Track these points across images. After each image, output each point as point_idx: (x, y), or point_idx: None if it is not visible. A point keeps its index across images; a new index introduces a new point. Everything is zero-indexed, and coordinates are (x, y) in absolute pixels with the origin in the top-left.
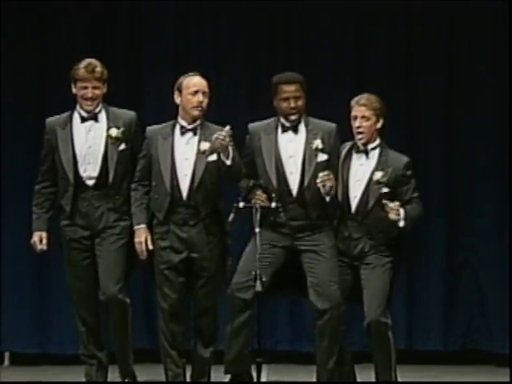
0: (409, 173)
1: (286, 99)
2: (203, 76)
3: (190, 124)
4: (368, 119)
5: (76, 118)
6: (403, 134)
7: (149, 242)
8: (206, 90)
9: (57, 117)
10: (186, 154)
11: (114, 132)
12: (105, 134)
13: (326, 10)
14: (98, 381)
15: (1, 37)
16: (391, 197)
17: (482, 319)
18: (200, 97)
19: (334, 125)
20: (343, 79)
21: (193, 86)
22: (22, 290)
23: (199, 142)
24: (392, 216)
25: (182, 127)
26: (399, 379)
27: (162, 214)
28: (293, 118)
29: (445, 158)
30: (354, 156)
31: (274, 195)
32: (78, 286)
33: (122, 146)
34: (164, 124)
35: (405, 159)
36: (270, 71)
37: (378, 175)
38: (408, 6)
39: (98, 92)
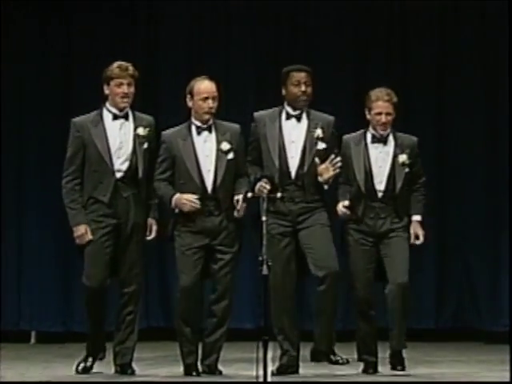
0: (418, 151)
1: (297, 84)
2: (212, 79)
3: (203, 124)
4: (391, 114)
5: (108, 116)
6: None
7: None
8: (216, 94)
9: (84, 116)
10: (205, 151)
11: (141, 131)
12: (133, 133)
13: (328, 11)
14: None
15: (25, 39)
16: (411, 176)
17: (470, 300)
18: (210, 103)
19: (332, 117)
20: (343, 75)
21: (203, 93)
22: (47, 273)
23: (217, 140)
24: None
25: (197, 127)
26: None
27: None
28: (303, 98)
29: (437, 151)
30: (371, 146)
31: (279, 187)
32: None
33: (146, 145)
34: (178, 127)
35: (414, 138)
36: (277, 70)
37: (404, 157)
38: (403, 6)
39: (131, 89)
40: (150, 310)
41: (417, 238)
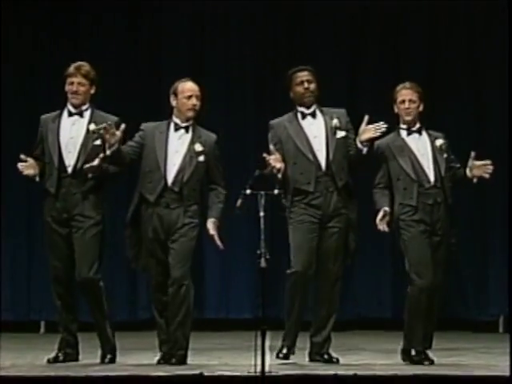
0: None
1: (301, 83)
2: (195, 81)
3: (183, 123)
4: (414, 102)
5: (65, 113)
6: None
7: None
8: (199, 94)
9: (49, 114)
10: (177, 147)
11: (92, 126)
12: (85, 128)
13: (325, 13)
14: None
15: (31, 38)
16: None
17: (458, 291)
18: (194, 100)
19: (343, 109)
20: (339, 74)
21: (187, 91)
22: None
23: (191, 140)
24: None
25: (175, 124)
26: (385, 346)
27: (153, 196)
28: (308, 99)
29: None
30: (407, 139)
31: (277, 185)
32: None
33: (98, 142)
34: (159, 122)
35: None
36: (275, 71)
37: (440, 141)
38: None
39: (82, 88)
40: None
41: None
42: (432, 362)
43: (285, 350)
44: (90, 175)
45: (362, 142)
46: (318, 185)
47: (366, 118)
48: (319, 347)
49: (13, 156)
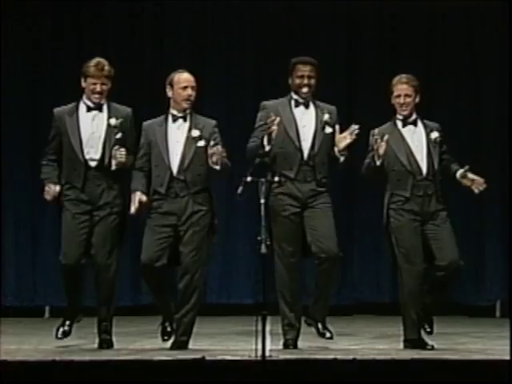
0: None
1: (301, 76)
2: (191, 72)
3: (179, 113)
4: (410, 96)
5: (82, 107)
6: None
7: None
8: (194, 84)
9: (63, 107)
10: (177, 137)
11: (113, 121)
12: (106, 123)
13: (323, 11)
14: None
15: (42, 39)
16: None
17: None
18: (189, 91)
19: (334, 106)
20: (337, 70)
21: (183, 82)
22: (59, 252)
23: (189, 128)
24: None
25: (173, 115)
26: (383, 330)
27: (163, 187)
28: (304, 91)
29: None
30: (403, 130)
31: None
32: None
33: (119, 135)
34: (158, 118)
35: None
36: (276, 68)
37: (435, 134)
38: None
39: (104, 87)
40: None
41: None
42: (432, 348)
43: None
44: (114, 167)
45: (340, 151)
46: (299, 173)
47: (352, 127)
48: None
49: (16, 144)
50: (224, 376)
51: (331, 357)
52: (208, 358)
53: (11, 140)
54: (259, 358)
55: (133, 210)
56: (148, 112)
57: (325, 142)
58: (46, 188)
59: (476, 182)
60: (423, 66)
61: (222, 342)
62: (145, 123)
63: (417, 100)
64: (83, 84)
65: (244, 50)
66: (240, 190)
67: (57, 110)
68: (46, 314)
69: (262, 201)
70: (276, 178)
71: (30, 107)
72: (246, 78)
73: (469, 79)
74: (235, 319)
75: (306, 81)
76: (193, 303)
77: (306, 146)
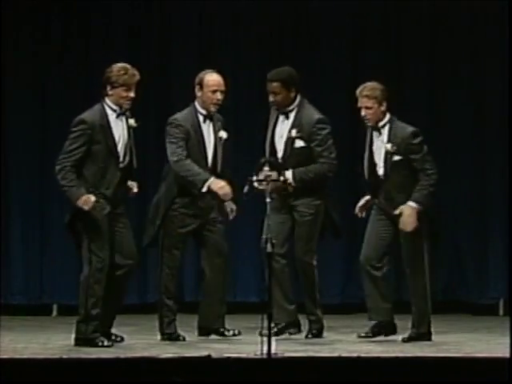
0: (416, 141)
1: (269, 93)
2: (220, 73)
3: (206, 113)
4: (371, 108)
5: (111, 114)
6: None
7: None
8: (224, 88)
9: (90, 113)
10: (209, 137)
11: (132, 122)
12: (127, 126)
13: (328, 12)
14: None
15: (51, 39)
16: (406, 164)
17: (459, 275)
18: (218, 95)
19: (316, 116)
20: (341, 72)
21: (213, 85)
22: (68, 250)
23: (214, 128)
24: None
25: (203, 115)
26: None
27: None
28: (272, 107)
29: (429, 139)
30: (373, 134)
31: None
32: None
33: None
34: (184, 113)
35: (410, 129)
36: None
37: (388, 146)
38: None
39: (134, 94)
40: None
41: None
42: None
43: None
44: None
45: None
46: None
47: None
48: None
49: (24, 141)
50: (230, 374)
51: (336, 354)
52: (214, 355)
53: (18, 141)
54: (265, 356)
55: (229, 194)
56: (154, 112)
57: (294, 154)
58: (84, 198)
59: (401, 222)
60: (426, 68)
61: (227, 339)
62: (178, 117)
63: (382, 108)
64: (110, 91)
65: (250, 50)
66: (246, 189)
67: (86, 117)
68: (54, 313)
69: (268, 200)
70: (282, 178)
71: (38, 105)
72: (252, 78)
73: (472, 77)
74: (241, 317)
75: (271, 98)
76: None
77: (280, 155)
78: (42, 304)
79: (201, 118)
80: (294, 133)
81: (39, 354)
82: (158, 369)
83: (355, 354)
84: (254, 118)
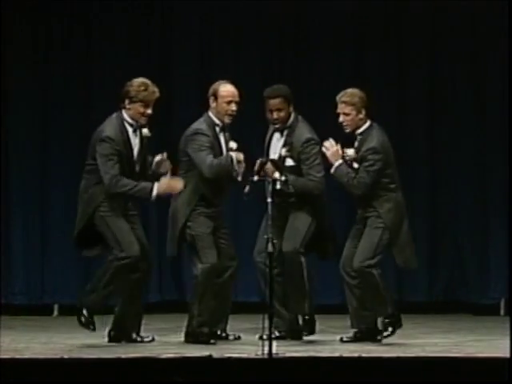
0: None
1: (270, 111)
2: (233, 84)
3: (221, 123)
4: (349, 114)
5: (129, 128)
6: (393, 123)
7: None
8: (238, 99)
9: (112, 129)
10: (224, 148)
11: (146, 131)
12: (140, 135)
13: (329, 14)
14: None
15: (53, 39)
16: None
17: (460, 275)
18: (233, 106)
19: (306, 135)
20: (341, 72)
21: (227, 96)
22: (69, 250)
23: (225, 138)
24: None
25: (219, 127)
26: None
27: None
28: (276, 126)
29: (429, 136)
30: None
31: (283, 170)
32: None
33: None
34: (201, 122)
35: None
36: (284, 70)
37: (349, 152)
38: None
39: (151, 111)
40: (164, 283)
41: None
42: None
43: None
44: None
45: None
46: None
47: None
48: None
49: (25, 141)
50: (231, 373)
51: (337, 354)
52: (215, 355)
53: (18, 141)
54: (266, 356)
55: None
56: (155, 112)
57: (286, 172)
58: (163, 188)
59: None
60: (426, 68)
61: (229, 339)
62: (202, 127)
63: (360, 115)
64: (128, 105)
65: (251, 51)
66: (247, 189)
67: (111, 134)
68: (55, 313)
69: (269, 200)
70: (283, 178)
71: (38, 105)
72: (254, 78)
73: (473, 79)
74: (242, 317)
75: (275, 115)
76: None
77: None
78: (43, 304)
79: (217, 129)
80: (284, 151)
81: (40, 353)
82: (159, 369)
83: (356, 354)
84: (254, 117)
